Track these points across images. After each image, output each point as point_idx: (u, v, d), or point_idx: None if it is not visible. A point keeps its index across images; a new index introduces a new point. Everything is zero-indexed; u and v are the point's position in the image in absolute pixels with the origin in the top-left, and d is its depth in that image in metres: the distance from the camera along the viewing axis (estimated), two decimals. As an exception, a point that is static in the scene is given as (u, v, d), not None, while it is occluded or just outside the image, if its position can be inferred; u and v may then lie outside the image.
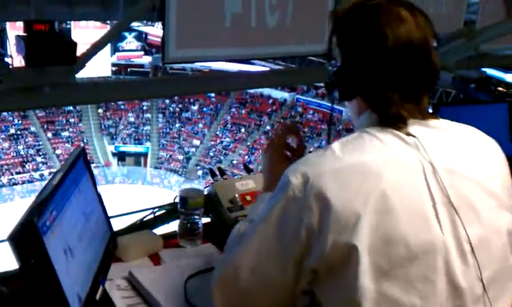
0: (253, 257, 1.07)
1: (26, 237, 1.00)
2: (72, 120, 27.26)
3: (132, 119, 28.19)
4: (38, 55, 2.66)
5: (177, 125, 28.17)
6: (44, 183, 1.40)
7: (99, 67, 21.09)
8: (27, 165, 25.32)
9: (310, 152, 1.13)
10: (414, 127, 1.06)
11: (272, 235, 1.04)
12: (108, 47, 20.63)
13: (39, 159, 25.82)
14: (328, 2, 3.32)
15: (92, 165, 2.31)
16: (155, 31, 23.44)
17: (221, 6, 2.93)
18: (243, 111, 28.07)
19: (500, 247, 1.03)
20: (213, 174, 1.93)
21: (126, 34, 24.49)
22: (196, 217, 1.68)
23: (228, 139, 27.39)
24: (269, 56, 4.14)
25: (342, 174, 0.99)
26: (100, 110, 27.84)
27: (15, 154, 25.53)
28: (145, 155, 27.31)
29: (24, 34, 2.68)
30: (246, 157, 25.88)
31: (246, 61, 13.16)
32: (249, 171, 2.03)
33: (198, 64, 20.85)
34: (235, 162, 25.71)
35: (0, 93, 2.77)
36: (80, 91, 3.10)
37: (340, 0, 3.39)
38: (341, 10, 1.14)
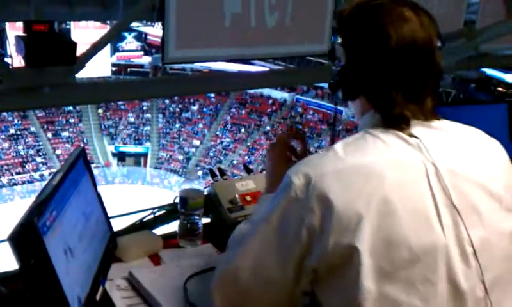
0: (253, 257, 1.06)
1: (26, 237, 1.00)
2: (71, 120, 27.26)
3: (132, 120, 28.18)
4: (38, 55, 2.66)
5: (177, 125, 28.17)
6: (44, 183, 1.40)
7: (99, 67, 21.07)
8: (27, 166, 25.31)
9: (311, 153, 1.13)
10: (417, 128, 1.06)
11: (274, 236, 1.04)
12: (108, 47, 20.61)
13: (39, 159, 25.81)
14: (327, 2, 3.32)
15: (92, 166, 2.31)
16: (154, 31, 23.43)
17: (220, 6, 2.93)
18: (243, 111, 28.07)
19: (503, 249, 1.02)
20: (213, 175, 1.93)
21: (126, 34, 24.48)
22: (196, 217, 1.68)
23: (228, 140, 27.39)
24: (269, 56, 4.13)
25: (345, 175, 0.99)
26: (100, 111, 27.84)
27: (14, 154, 25.52)
28: (145, 155, 27.31)
29: (24, 34, 2.68)
30: (246, 157, 25.87)
31: (246, 61, 13.15)
32: (249, 171, 2.03)
33: (197, 65, 20.82)
34: (235, 162, 25.70)
35: (0, 93, 2.77)
36: (80, 91, 3.10)
37: (340, 0, 3.39)
38: (345, 10, 1.14)
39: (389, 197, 0.96)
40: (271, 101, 27.71)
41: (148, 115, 28.35)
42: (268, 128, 27.02)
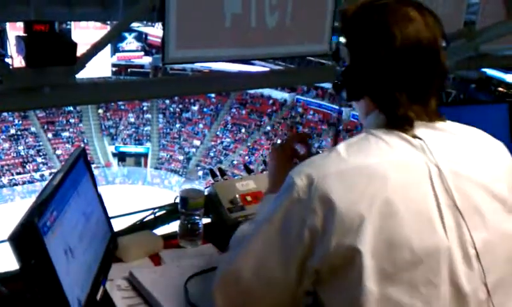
0: (256, 257, 1.06)
1: (27, 237, 1.01)
2: (72, 120, 27.26)
3: (132, 120, 28.18)
4: (38, 55, 2.65)
5: (177, 126, 28.17)
6: (44, 183, 1.40)
7: (99, 67, 21.07)
8: (27, 166, 25.32)
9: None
10: (420, 129, 1.05)
11: (276, 236, 1.04)
12: (108, 48, 20.58)
13: (39, 160, 25.81)
14: (327, 2, 3.32)
15: (92, 166, 2.31)
16: (155, 32, 23.43)
17: (221, 6, 2.93)
18: (243, 112, 28.07)
19: (505, 251, 1.02)
20: (213, 175, 1.93)
21: (126, 34, 24.46)
22: (197, 217, 1.68)
23: (228, 140, 27.38)
24: (269, 56, 4.13)
25: (347, 176, 0.99)
26: (101, 111, 27.84)
27: (15, 154, 25.52)
28: (145, 155, 27.31)
29: (24, 34, 2.68)
30: (247, 157, 25.87)
31: (246, 61, 13.15)
32: (249, 171, 2.03)
33: (198, 65, 20.85)
34: (235, 162, 25.70)
35: (0, 93, 2.77)
36: (80, 91, 3.10)
37: (340, 0, 3.39)
38: (349, 10, 1.14)
39: (391, 199, 0.96)
40: (271, 101, 27.71)
41: (149, 115, 28.35)
42: (268, 128, 27.02)
